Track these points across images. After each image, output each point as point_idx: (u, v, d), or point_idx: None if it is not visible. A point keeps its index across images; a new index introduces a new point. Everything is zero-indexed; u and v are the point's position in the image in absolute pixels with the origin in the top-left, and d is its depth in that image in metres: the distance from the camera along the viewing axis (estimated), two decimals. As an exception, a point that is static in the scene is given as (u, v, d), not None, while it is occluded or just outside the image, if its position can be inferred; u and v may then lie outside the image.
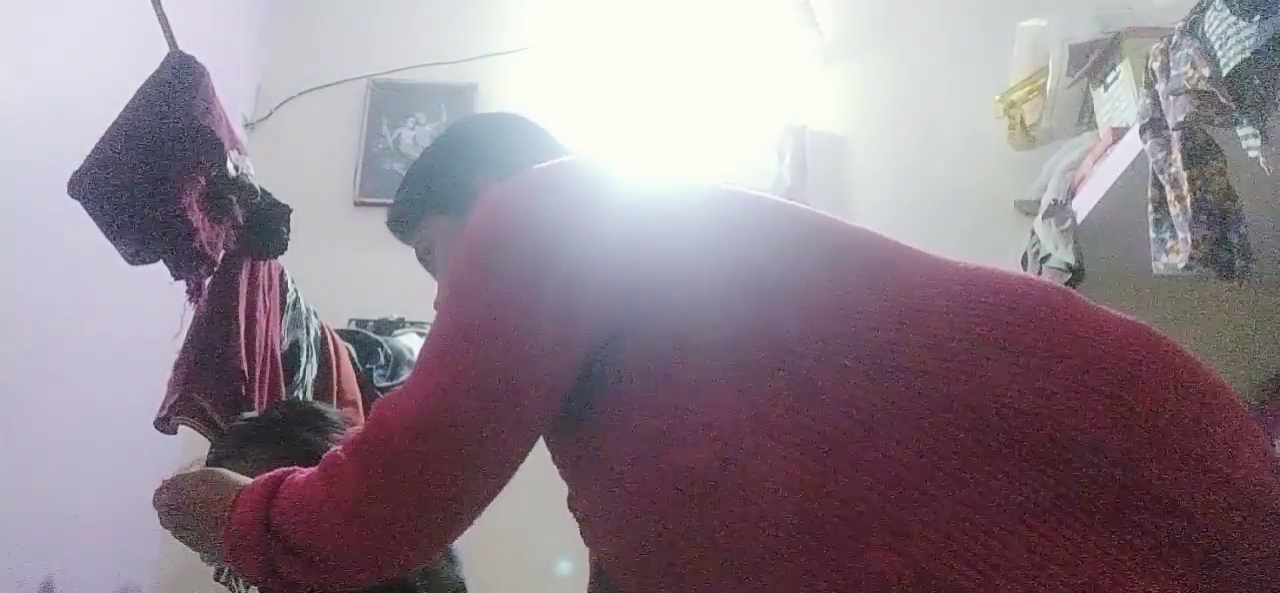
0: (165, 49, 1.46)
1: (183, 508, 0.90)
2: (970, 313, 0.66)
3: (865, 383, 0.63)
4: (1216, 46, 1.38)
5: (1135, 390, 0.60)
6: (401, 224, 1.09)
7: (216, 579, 1.74)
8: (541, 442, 0.83)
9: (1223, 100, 1.37)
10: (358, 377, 1.90)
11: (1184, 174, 1.48)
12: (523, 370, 0.73)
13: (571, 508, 0.86)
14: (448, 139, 1.09)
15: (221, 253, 1.48)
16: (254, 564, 0.79)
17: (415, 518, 0.75)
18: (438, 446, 0.72)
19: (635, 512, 0.71)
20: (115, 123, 1.39)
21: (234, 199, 1.48)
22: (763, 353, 0.67)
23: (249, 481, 0.85)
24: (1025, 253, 2.08)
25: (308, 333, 1.76)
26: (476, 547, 1.72)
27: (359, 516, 0.74)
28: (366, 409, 1.82)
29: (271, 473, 0.83)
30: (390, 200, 1.11)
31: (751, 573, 0.62)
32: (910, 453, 0.59)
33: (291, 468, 0.82)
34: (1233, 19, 1.34)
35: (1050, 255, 1.95)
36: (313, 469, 0.80)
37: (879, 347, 0.65)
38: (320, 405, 1.36)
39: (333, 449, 0.79)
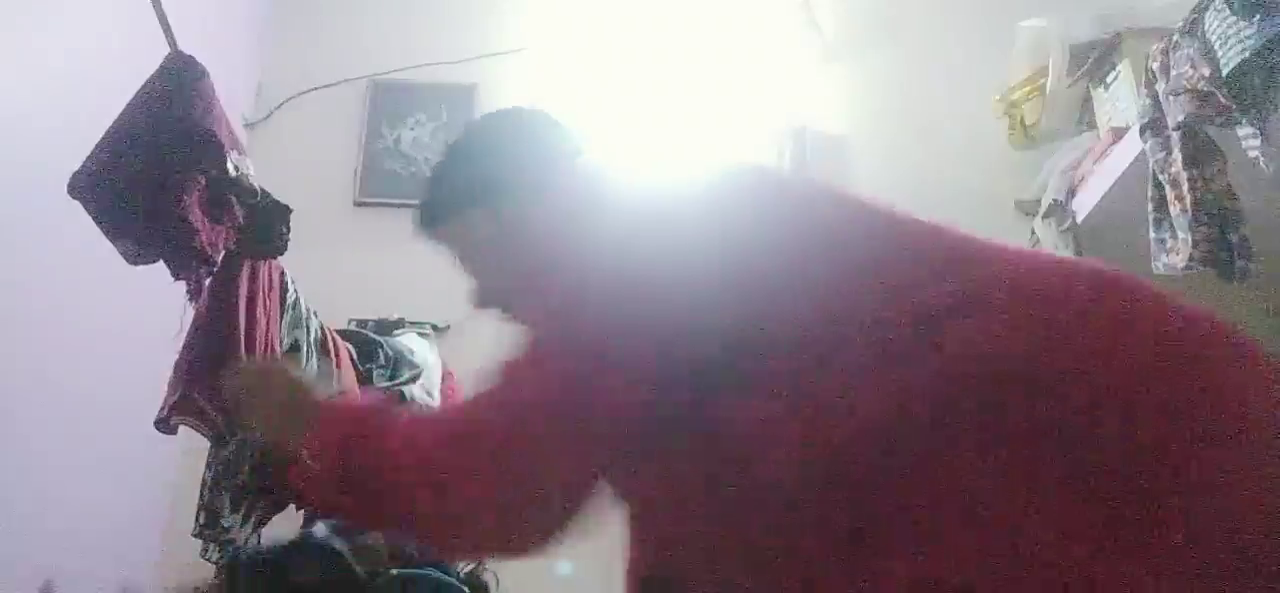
0: (165, 49, 1.46)
1: (259, 392, 0.98)
2: (1018, 307, 0.68)
3: (929, 395, 0.64)
4: (1216, 46, 1.38)
5: (1193, 381, 0.61)
6: (433, 221, 1.07)
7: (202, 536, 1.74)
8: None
9: (1223, 100, 1.37)
10: (358, 377, 1.90)
11: (1184, 174, 1.48)
12: (611, 397, 0.75)
13: (634, 529, 0.87)
14: (480, 134, 1.09)
15: (221, 253, 1.48)
16: (319, 485, 0.83)
17: (493, 521, 0.79)
18: (521, 463, 0.75)
19: (713, 525, 0.74)
20: (115, 123, 1.39)
21: (234, 199, 1.48)
22: (830, 375, 0.69)
23: (325, 393, 0.92)
24: (1026, 253, 2.08)
25: (308, 333, 1.76)
26: (476, 547, 1.72)
27: (440, 496, 0.77)
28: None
29: (371, 401, 0.89)
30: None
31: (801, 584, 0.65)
32: (984, 462, 0.60)
33: (389, 403, 0.85)
34: (1233, 19, 1.34)
35: (1050, 255, 1.95)
36: (410, 419, 0.85)
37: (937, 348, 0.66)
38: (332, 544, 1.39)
39: (432, 416, 0.83)
